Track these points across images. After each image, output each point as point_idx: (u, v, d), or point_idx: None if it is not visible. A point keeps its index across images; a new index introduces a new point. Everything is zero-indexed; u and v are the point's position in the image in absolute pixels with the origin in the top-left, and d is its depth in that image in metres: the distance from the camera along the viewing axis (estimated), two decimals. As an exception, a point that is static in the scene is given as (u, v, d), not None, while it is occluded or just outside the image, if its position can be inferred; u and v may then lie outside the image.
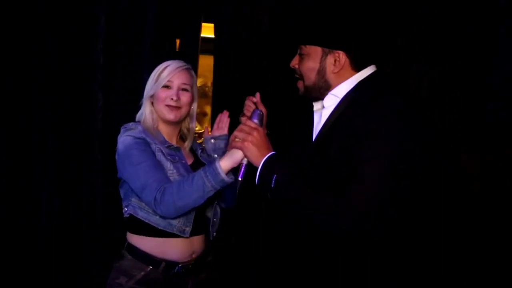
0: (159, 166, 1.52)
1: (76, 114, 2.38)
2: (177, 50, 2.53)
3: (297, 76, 1.48)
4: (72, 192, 2.42)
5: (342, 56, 1.38)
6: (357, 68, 1.40)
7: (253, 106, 1.63)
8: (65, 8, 2.32)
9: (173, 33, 2.31)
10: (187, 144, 1.73)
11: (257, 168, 1.35)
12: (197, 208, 1.55)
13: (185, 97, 1.60)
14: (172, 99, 1.57)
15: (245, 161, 1.37)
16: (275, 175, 1.31)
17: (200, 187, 1.39)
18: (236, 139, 1.37)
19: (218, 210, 1.74)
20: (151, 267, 1.54)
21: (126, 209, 1.60)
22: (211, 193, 1.41)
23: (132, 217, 1.58)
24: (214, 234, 1.76)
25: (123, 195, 1.64)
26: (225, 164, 1.38)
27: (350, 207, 1.18)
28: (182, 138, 1.74)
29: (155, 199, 1.43)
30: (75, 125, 2.39)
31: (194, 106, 1.69)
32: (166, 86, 1.59)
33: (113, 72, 2.34)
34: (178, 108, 1.60)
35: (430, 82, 2.12)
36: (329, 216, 1.24)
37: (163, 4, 2.29)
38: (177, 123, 1.65)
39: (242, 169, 1.37)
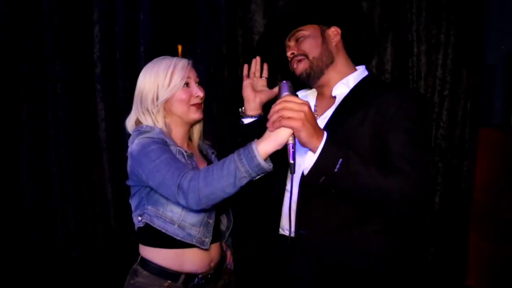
0: (179, 160, 1.38)
1: (84, 128, 2.41)
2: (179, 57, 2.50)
3: (297, 59, 1.51)
4: (87, 203, 2.45)
5: (337, 30, 1.52)
6: (347, 48, 1.55)
7: (258, 66, 1.75)
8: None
9: (172, 39, 2.25)
10: (196, 138, 1.65)
11: (295, 149, 1.17)
12: (216, 216, 1.50)
13: (202, 92, 1.52)
14: (197, 96, 1.49)
15: (291, 141, 1.16)
16: (341, 160, 1.16)
17: (231, 172, 1.17)
18: (282, 118, 1.13)
19: (231, 215, 1.69)
20: (169, 281, 1.43)
21: (140, 218, 1.47)
22: (244, 181, 1.18)
23: (147, 227, 1.45)
24: (229, 239, 1.73)
25: (136, 204, 1.50)
26: (265, 147, 1.16)
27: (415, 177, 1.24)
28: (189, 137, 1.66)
29: (178, 185, 1.25)
30: (84, 139, 2.43)
31: None
32: (185, 85, 1.48)
33: (112, 82, 2.33)
34: (201, 104, 1.53)
35: (429, 81, 2.08)
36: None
37: (161, 12, 2.25)
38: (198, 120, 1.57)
39: (292, 150, 1.15)
